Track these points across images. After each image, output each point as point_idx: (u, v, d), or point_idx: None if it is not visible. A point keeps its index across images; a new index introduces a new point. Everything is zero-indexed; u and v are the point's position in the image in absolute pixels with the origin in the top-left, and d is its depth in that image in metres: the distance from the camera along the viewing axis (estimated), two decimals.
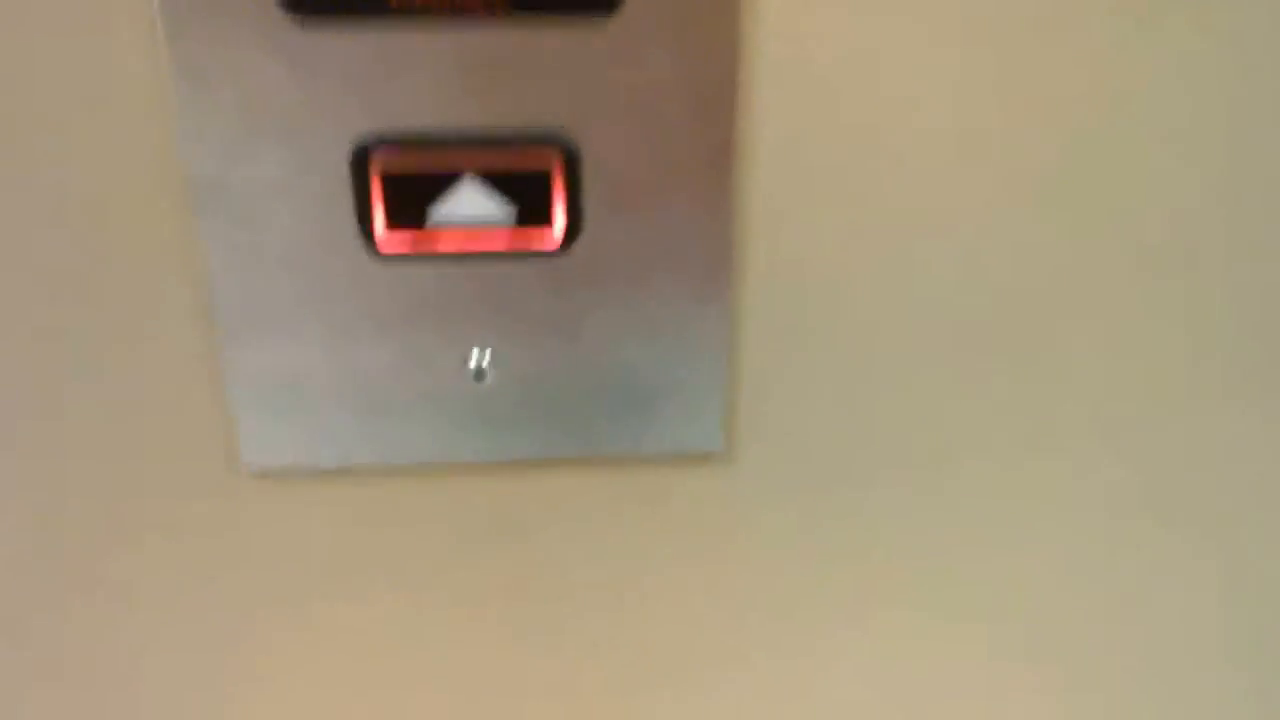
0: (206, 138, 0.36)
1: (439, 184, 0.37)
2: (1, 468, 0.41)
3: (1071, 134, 0.39)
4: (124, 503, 0.42)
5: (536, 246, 0.39)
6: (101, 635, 0.43)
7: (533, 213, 0.38)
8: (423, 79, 0.36)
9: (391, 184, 0.37)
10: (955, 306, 0.42)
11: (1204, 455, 0.45)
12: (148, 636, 0.44)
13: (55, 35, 0.35)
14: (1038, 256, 0.41)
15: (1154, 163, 0.40)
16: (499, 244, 0.38)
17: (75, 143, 0.36)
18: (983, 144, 0.39)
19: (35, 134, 0.36)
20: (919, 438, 0.44)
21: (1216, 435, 0.45)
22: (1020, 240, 0.41)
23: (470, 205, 0.38)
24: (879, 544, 0.46)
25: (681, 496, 0.44)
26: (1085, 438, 0.44)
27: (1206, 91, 0.39)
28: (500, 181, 0.37)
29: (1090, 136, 0.40)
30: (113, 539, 0.42)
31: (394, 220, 0.38)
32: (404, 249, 0.38)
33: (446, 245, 0.38)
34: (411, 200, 0.37)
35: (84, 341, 0.39)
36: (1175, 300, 0.42)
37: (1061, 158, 0.40)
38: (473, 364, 0.40)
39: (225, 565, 0.43)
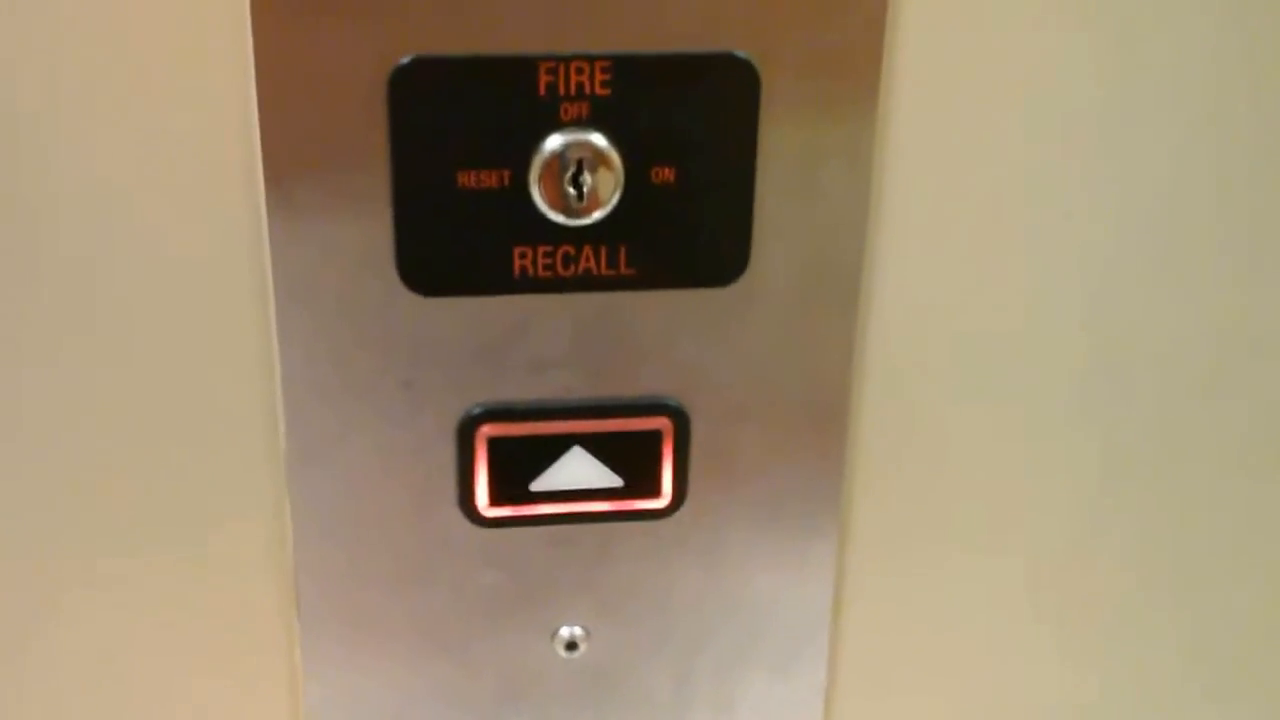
0: (309, 404, 0.34)
1: (545, 452, 0.36)
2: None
3: None
4: None
5: (641, 513, 0.37)
6: None
7: (640, 480, 0.36)
8: (536, 348, 0.34)
9: (497, 453, 0.35)
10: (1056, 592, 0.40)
11: None
12: None
13: (156, 292, 0.34)
14: None
15: None
16: (602, 511, 0.37)
17: (170, 403, 0.35)
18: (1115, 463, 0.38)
19: (127, 379, 0.35)
20: None
21: None
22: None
23: (576, 474, 0.36)
24: None
25: None
26: None
27: None
28: (608, 448, 0.36)
29: None
30: None
31: (497, 489, 0.36)
32: (505, 516, 0.36)
33: (549, 512, 0.36)
34: (516, 469, 0.36)
35: (151, 597, 0.37)
36: None
37: None
38: (565, 634, 0.38)
39: None
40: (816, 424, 0.37)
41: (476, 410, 0.35)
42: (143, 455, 0.35)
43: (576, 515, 0.36)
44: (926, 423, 0.38)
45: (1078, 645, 0.42)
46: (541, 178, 0.32)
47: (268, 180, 0.32)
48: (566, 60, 0.31)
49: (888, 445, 0.38)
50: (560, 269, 0.34)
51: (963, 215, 0.35)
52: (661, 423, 0.36)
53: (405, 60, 0.31)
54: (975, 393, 0.38)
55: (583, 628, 0.38)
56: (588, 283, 0.34)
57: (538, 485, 0.36)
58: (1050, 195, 0.36)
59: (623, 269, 0.34)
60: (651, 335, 0.35)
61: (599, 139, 0.32)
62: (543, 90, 0.32)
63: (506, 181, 0.32)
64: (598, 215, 0.33)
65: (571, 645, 0.38)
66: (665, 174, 0.33)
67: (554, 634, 0.38)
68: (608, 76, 0.32)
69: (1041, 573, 0.40)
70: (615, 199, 0.33)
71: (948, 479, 0.39)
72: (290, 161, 0.32)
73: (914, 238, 0.35)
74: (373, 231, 0.32)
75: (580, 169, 0.32)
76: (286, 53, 0.30)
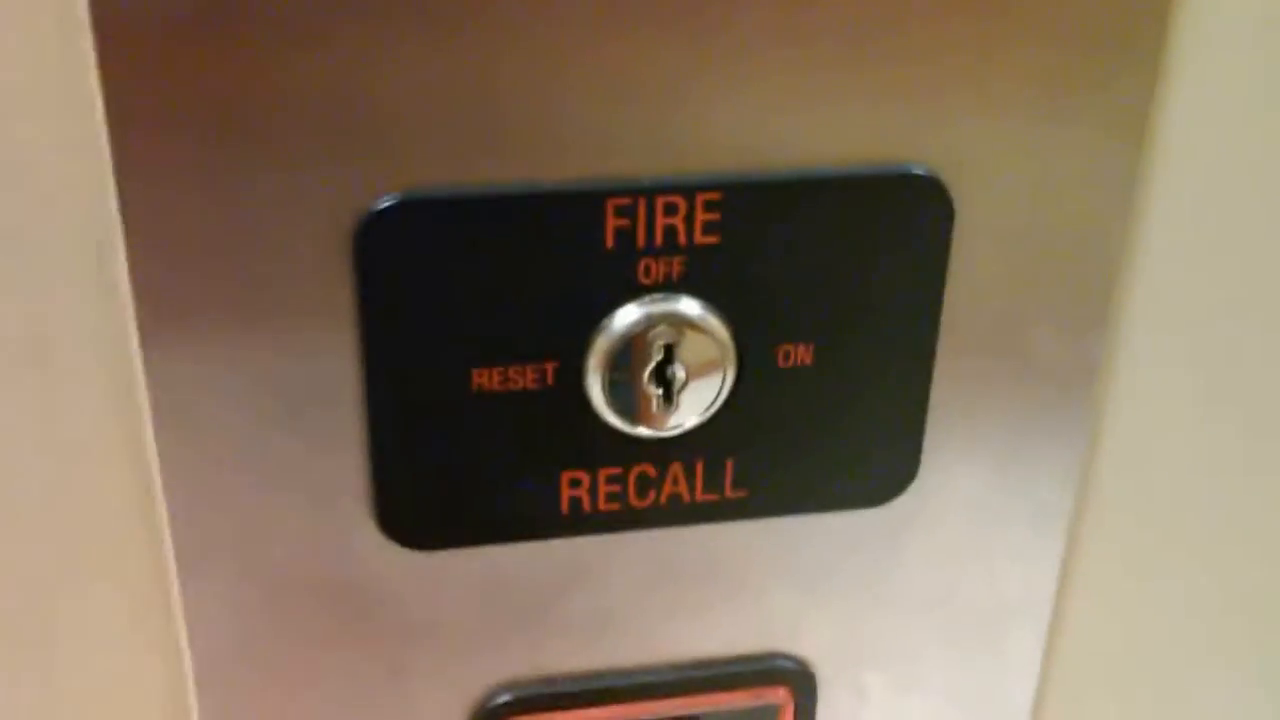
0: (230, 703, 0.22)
1: None
2: None
3: None
4: None
5: None
6: None
7: None
8: (589, 605, 0.22)
9: None
10: None
11: None
12: None
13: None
14: None
15: None
16: None
17: None
18: None
19: None
20: None
21: None
22: None
23: None
24: None
25: None
26: None
27: None
28: None
29: None
30: None
31: None
32: None
33: None
34: None
35: None
36: None
37: None
38: None
39: None
40: (998, 682, 0.25)
41: (503, 699, 0.23)
42: None
43: None
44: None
45: None
46: (607, 371, 0.20)
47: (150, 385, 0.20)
48: (649, 193, 0.19)
49: None
50: (634, 498, 0.22)
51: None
52: (778, 694, 0.24)
53: (384, 203, 0.18)
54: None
55: None
56: (674, 515, 0.22)
57: None
58: None
59: (728, 492, 0.22)
60: (763, 577, 0.23)
61: (696, 309, 0.20)
62: (611, 241, 0.19)
63: (550, 379, 0.20)
64: (693, 422, 0.21)
65: None
66: (799, 354, 0.21)
67: None
68: (714, 216, 0.20)
69: None
70: (721, 396, 0.21)
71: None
72: (183, 359, 0.19)
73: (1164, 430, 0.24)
74: (338, 461, 0.20)
75: (668, 356, 0.20)
76: (166, 197, 0.18)
